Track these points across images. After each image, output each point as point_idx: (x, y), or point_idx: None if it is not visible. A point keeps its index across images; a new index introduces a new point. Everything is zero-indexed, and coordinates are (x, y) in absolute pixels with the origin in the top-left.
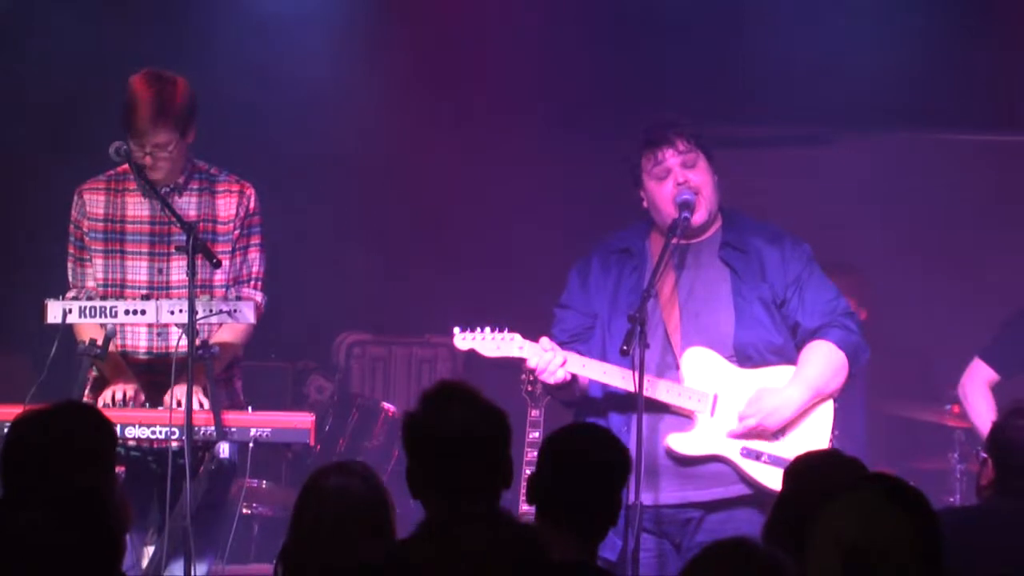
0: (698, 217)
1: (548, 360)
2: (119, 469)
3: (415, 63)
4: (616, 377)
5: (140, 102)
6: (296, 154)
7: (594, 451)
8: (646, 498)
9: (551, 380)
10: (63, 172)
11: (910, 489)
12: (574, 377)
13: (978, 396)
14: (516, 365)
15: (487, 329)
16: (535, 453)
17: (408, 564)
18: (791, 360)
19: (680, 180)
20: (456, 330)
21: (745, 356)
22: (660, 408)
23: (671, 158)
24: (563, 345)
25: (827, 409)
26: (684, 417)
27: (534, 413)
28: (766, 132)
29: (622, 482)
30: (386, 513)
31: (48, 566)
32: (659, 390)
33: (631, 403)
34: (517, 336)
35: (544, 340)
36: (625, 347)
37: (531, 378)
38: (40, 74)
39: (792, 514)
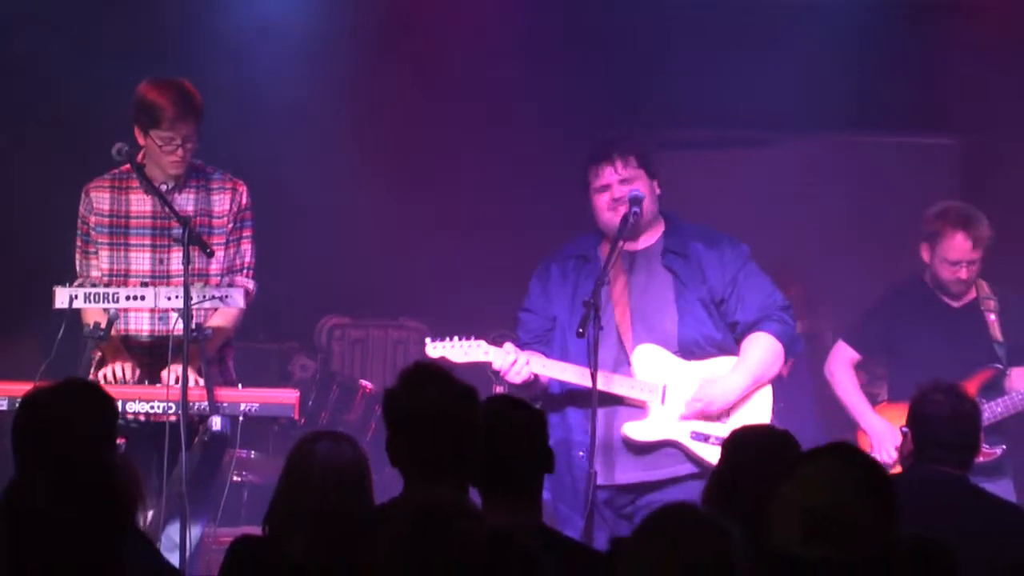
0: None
1: (511, 361)
2: (120, 441)
3: (406, 62)
4: (574, 375)
5: (165, 101)
6: (283, 154)
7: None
8: (602, 480)
9: (517, 380)
10: (71, 169)
11: (864, 455)
12: (536, 376)
13: (843, 374)
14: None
15: (456, 338)
16: None
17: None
18: (730, 352)
19: (616, 196)
20: (427, 340)
21: (688, 351)
22: (615, 401)
23: (610, 176)
24: (527, 346)
25: (766, 393)
26: (637, 407)
27: (497, 390)
28: (707, 135)
29: (521, 442)
30: (366, 476)
31: (60, 533)
32: (614, 385)
33: (586, 398)
34: (483, 343)
35: (507, 345)
36: (581, 329)
37: None
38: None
39: (727, 482)
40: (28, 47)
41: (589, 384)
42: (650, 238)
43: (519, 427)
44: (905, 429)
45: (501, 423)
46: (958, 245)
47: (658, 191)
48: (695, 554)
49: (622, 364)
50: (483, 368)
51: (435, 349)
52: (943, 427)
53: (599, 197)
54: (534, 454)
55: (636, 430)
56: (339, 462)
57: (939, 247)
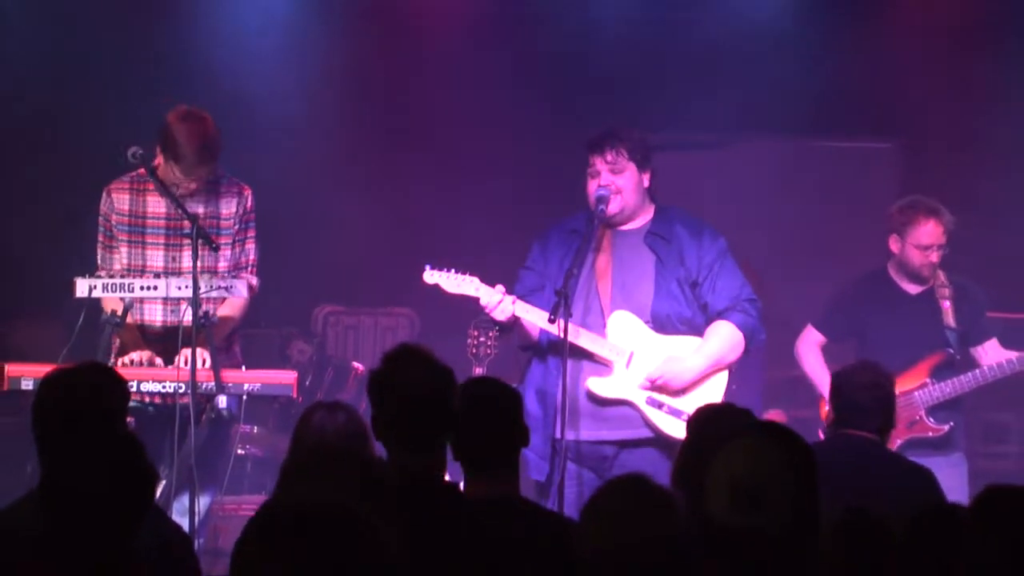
0: (612, 208)
1: (498, 300)
2: (128, 419)
3: (396, 59)
4: (551, 326)
5: (188, 149)
6: (273, 153)
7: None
8: (569, 434)
9: (500, 317)
10: (83, 170)
11: (787, 432)
12: (518, 321)
13: (810, 355)
14: (463, 332)
15: (452, 270)
16: None
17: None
18: (697, 330)
19: (604, 183)
20: (427, 267)
21: (660, 324)
22: (585, 356)
23: (600, 164)
24: (522, 298)
25: (722, 376)
26: (603, 366)
27: (477, 371)
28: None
29: (498, 419)
30: (359, 439)
31: (98, 500)
32: (585, 339)
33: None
34: (476, 279)
35: (499, 286)
36: (552, 316)
37: (476, 341)
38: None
39: (693, 456)
40: (28, 58)
41: (558, 334)
42: (639, 221)
43: (496, 405)
44: (828, 406)
45: (479, 402)
46: (930, 231)
47: (647, 184)
48: (640, 523)
49: (598, 326)
50: (464, 350)
51: (431, 276)
52: (861, 393)
53: (590, 183)
54: (510, 430)
55: (598, 385)
56: (333, 427)
57: (910, 235)
